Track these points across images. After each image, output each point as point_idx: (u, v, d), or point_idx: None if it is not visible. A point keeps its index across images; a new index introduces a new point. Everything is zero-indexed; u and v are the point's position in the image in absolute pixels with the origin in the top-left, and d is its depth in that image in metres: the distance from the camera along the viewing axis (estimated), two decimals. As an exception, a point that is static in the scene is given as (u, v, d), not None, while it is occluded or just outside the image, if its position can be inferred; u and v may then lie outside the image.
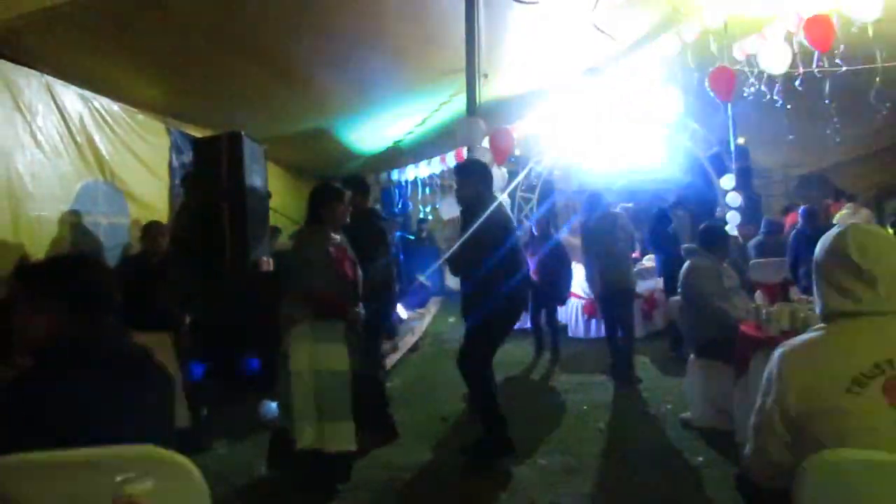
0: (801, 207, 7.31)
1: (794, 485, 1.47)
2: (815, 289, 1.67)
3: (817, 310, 1.67)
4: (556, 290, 6.67)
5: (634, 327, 6.21)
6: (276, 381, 3.43)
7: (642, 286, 7.71)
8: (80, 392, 1.43)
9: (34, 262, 1.77)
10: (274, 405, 4.53)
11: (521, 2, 4.68)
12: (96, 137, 4.79)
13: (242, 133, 4.95)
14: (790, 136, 7.76)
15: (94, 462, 1.32)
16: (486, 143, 5.58)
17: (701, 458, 3.80)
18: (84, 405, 1.42)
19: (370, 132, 8.06)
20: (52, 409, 1.40)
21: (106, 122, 4.92)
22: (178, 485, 1.35)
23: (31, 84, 4.15)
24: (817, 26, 5.67)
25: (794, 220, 8.44)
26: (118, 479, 1.20)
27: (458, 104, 6.30)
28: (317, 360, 3.30)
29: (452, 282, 9.22)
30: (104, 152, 4.88)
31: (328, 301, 3.37)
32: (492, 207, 3.79)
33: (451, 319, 8.84)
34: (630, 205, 8.64)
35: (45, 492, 1.31)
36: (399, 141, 8.76)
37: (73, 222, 4.50)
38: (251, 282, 4.85)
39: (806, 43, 5.86)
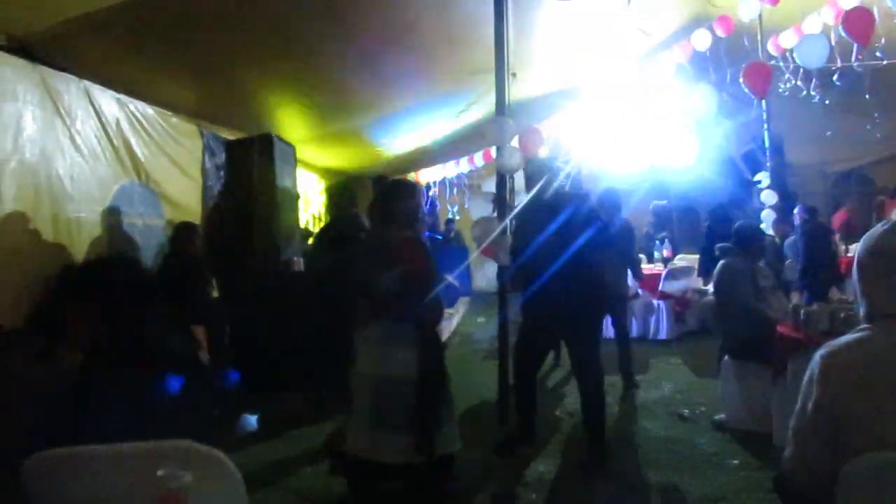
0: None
1: (837, 489, 1.43)
2: (858, 288, 1.61)
3: (860, 310, 1.61)
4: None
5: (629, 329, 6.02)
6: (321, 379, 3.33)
7: (674, 286, 7.60)
8: (120, 390, 1.46)
9: (79, 266, 1.82)
10: (253, 419, 4.55)
11: (556, -2, 4.63)
12: (132, 140, 4.90)
13: (273, 135, 5.02)
14: (828, 133, 7.56)
15: (135, 456, 1.34)
16: (515, 142, 5.55)
17: (736, 461, 3.72)
18: (125, 402, 1.45)
19: (399, 133, 8.09)
20: (94, 406, 1.43)
21: (141, 125, 5.03)
22: (216, 479, 1.37)
23: (71, 89, 4.26)
24: (857, 19, 5.51)
25: (844, 217, 8.20)
26: (159, 473, 1.22)
27: (487, 104, 6.28)
28: (384, 365, 2.99)
29: (481, 282, 9.22)
30: (140, 155, 4.99)
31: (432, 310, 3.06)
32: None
33: (481, 319, 8.82)
34: (664, 202, 8.50)
35: (88, 486, 1.34)
36: (427, 141, 8.77)
37: (110, 223, 4.61)
38: (282, 281, 4.91)
39: (845, 36, 5.70)
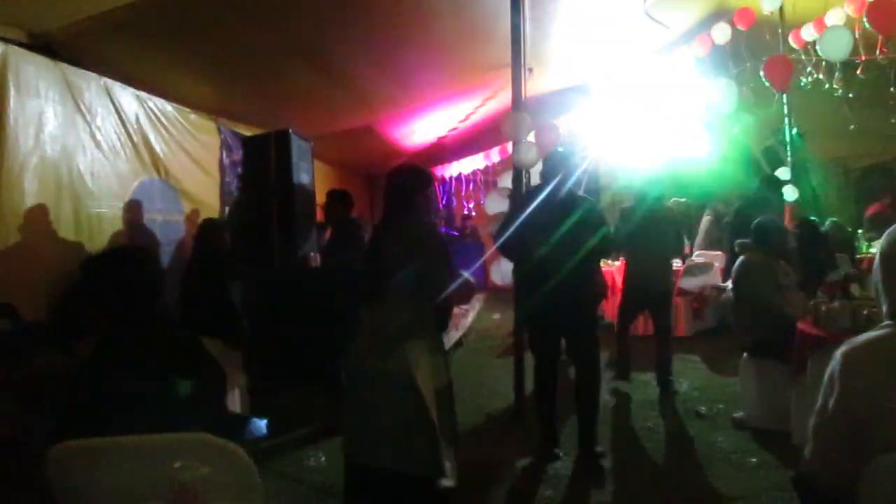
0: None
1: (859, 487, 1.41)
2: (881, 286, 1.58)
3: (883, 307, 1.58)
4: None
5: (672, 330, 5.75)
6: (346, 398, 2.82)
7: (692, 283, 7.52)
8: (136, 380, 1.48)
9: (96, 258, 1.84)
10: (262, 423, 4.55)
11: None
12: (151, 137, 4.95)
13: (290, 131, 5.04)
14: (851, 127, 7.42)
15: (151, 449, 1.36)
16: (531, 137, 5.52)
17: (755, 460, 3.68)
18: (140, 393, 1.47)
19: (415, 128, 8.09)
20: (109, 397, 1.45)
21: (160, 121, 5.08)
22: (231, 472, 1.38)
23: (91, 86, 4.31)
24: (882, 10, 5.39)
25: (879, 209, 8.00)
26: (175, 465, 1.23)
27: (503, 99, 6.26)
28: (437, 378, 2.76)
29: (497, 277, 9.18)
30: (159, 151, 5.04)
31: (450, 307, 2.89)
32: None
33: (496, 316, 8.80)
34: (683, 199, 8.39)
35: (103, 477, 1.36)
36: (443, 136, 8.78)
37: (130, 219, 4.67)
38: (299, 278, 4.93)
39: (869, 27, 5.58)
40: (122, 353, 1.56)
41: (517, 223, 3.81)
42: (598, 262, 3.90)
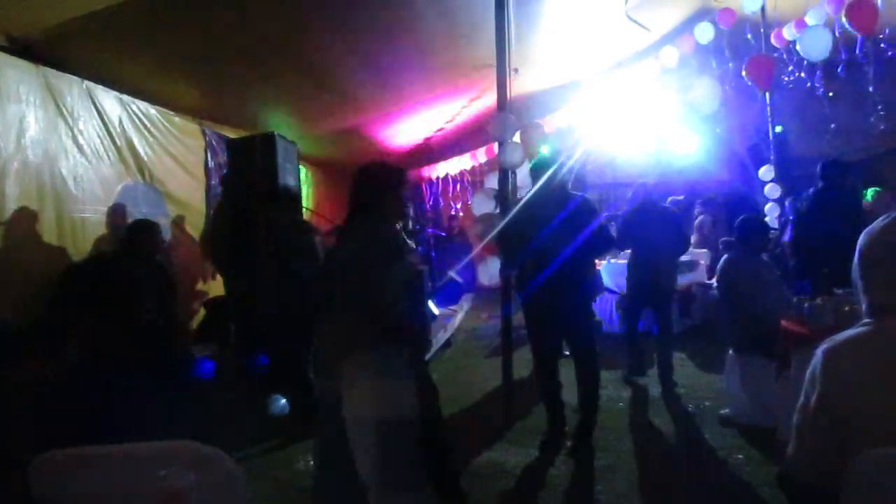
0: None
1: (841, 484, 1.43)
2: (860, 283, 1.60)
3: (863, 304, 1.61)
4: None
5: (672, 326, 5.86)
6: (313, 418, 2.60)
7: (679, 280, 7.58)
8: (121, 388, 1.47)
9: (80, 263, 1.83)
10: (283, 401, 4.56)
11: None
12: (135, 140, 4.92)
13: (275, 133, 5.02)
14: (832, 125, 7.52)
15: (137, 457, 1.35)
16: (517, 138, 5.53)
17: (741, 456, 3.72)
18: (126, 401, 1.46)
19: (401, 129, 8.09)
20: (95, 405, 1.44)
21: (144, 124, 5.05)
22: (218, 479, 1.37)
23: (73, 90, 4.27)
24: (861, 9, 5.47)
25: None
26: (161, 473, 1.23)
27: (489, 99, 6.28)
28: (381, 405, 2.34)
29: (485, 278, 9.20)
30: (143, 154, 5.01)
31: (409, 323, 2.54)
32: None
33: (484, 315, 8.82)
34: (681, 197, 8.44)
35: (89, 486, 1.35)
36: (430, 137, 8.79)
37: (114, 222, 4.62)
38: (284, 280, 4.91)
39: (848, 27, 5.66)
40: (108, 359, 1.54)
41: (514, 223, 3.86)
42: (595, 256, 3.91)
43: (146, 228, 4.38)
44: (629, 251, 5.77)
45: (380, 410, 2.31)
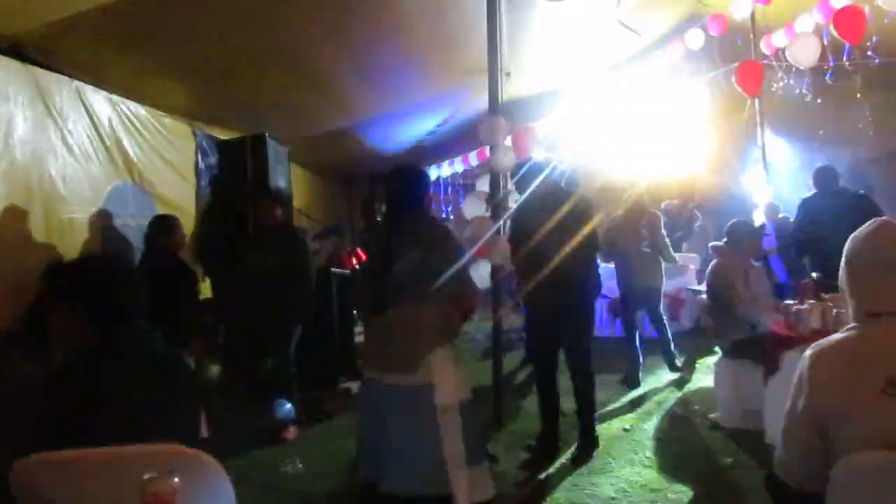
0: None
1: (827, 487, 1.44)
2: (847, 288, 1.62)
3: (849, 310, 1.62)
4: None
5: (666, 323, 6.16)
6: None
7: (668, 284, 7.61)
8: (107, 392, 1.46)
9: (62, 264, 1.82)
10: (288, 405, 4.55)
11: (546, -2, 4.64)
12: (125, 141, 4.88)
13: (266, 135, 5.01)
14: (820, 131, 7.59)
15: (122, 460, 1.34)
16: (508, 141, 5.54)
17: (730, 460, 3.73)
18: (112, 405, 1.44)
19: (393, 132, 8.08)
20: (81, 408, 1.42)
21: (134, 125, 5.01)
22: (204, 483, 1.36)
23: (62, 90, 4.23)
24: (848, 18, 5.53)
25: None
26: (145, 476, 1.21)
27: (481, 103, 6.28)
28: (465, 388, 2.67)
29: (476, 281, 9.13)
30: (133, 155, 4.97)
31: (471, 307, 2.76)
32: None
33: (475, 318, 8.81)
34: (675, 201, 8.49)
35: (73, 490, 1.34)
36: (421, 140, 8.78)
37: (103, 224, 4.59)
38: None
39: (836, 35, 5.72)
40: (93, 363, 1.53)
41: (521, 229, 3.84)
42: (593, 255, 3.91)
43: (165, 224, 4.42)
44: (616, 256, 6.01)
45: (465, 393, 2.64)
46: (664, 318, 6.05)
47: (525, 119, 7.68)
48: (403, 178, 2.81)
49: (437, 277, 2.52)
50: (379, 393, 2.57)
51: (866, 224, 1.60)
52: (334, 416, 4.84)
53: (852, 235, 1.60)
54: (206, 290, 5.46)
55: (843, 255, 1.61)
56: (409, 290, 2.54)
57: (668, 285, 7.51)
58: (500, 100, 4.77)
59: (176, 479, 1.22)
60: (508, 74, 5.64)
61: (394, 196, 2.80)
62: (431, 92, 6.87)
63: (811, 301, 3.61)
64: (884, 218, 1.62)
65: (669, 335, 5.95)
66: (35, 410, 1.56)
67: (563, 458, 3.85)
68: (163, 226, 4.46)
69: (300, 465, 3.82)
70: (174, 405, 1.56)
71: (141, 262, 4.38)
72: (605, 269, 7.88)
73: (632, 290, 5.82)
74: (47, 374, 1.61)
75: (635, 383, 5.53)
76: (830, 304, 3.43)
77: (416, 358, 2.51)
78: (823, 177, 5.30)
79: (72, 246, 4.24)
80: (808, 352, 1.59)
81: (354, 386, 5.57)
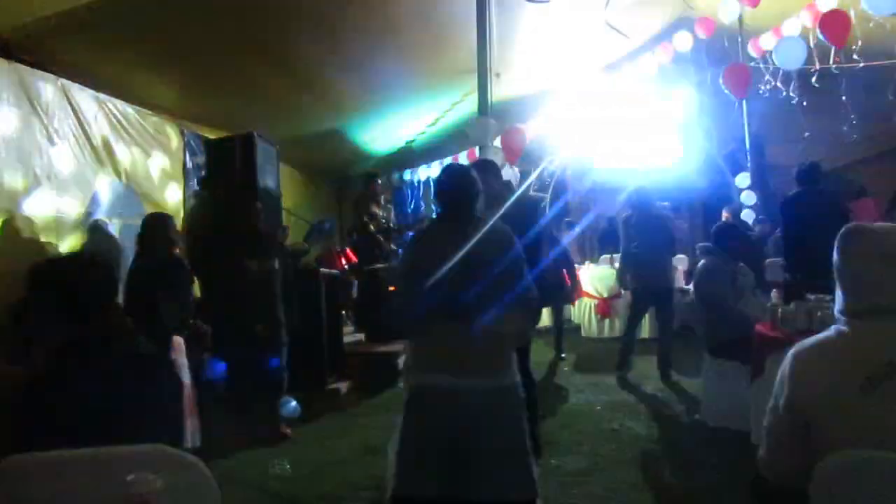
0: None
1: (810, 486, 1.45)
2: (837, 283, 1.63)
3: (835, 307, 1.63)
4: (563, 289, 6.64)
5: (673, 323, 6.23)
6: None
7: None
8: (89, 392, 1.44)
9: (42, 263, 1.79)
10: (294, 402, 4.54)
11: (533, 1, 4.66)
12: (112, 140, 4.84)
13: (255, 134, 4.99)
14: (806, 134, 7.66)
15: (105, 461, 1.33)
16: (497, 142, 5.57)
17: (715, 459, 3.76)
18: (94, 405, 1.43)
19: (383, 132, 8.08)
20: (63, 409, 1.41)
21: (121, 124, 4.97)
22: (188, 484, 1.35)
23: (48, 88, 4.20)
24: (833, 22, 5.59)
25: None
26: (129, 478, 1.20)
27: (471, 104, 6.29)
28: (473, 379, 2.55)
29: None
30: (119, 154, 4.93)
31: None
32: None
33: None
34: (667, 203, 8.56)
35: (56, 491, 1.32)
36: (411, 141, 8.78)
37: (89, 223, 4.55)
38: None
39: (822, 38, 5.79)
40: (76, 362, 1.51)
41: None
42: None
43: (157, 223, 4.22)
44: (620, 254, 6.17)
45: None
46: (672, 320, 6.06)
47: (514, 120, 7.70)
48: (467, 180, 2.67)
49: (517, 280, 2.51)
50: (451, 397, 2.43)
51: (851, 224, 1.61)
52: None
53: (839, 235, 1.61)
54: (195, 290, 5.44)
55: (834, 252, 1.62)
56: (495, 294, 2.45)
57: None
58: (489, 101, 4.79)
59: (159, 481, 1.21)
60: (498, 75, 5.66)
61: (460, 197, 2.64)
62: (422, 92, 6.87)
63: (797, 301, 3.64)
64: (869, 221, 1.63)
65: (671, 342, 5.91)
66: (17, 411, 1.54)
67: (552, 459, 3.85)
68: (156, 224, 4.34)
69: (288, 467, 3.81)
70: (156, 405, 1.55)
71: (134, 261, 4.27)
72: (597, 269, 8.00)
73: (647, 288, 5.90)
74: (28, 375, 1.59)
75: (626, 366, 5.81)
76: (815, 304, 3.46)
77: (504, 360, 2.51)
78: (807, 175, 5.33)
79: (57, 245, 4.21)
80: (792, 350, 1.60)
81: (343, 387, 5.57)
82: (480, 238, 2.52)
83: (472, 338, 2.42)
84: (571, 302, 7.38)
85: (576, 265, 7.59)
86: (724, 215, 8.98)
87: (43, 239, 4.11)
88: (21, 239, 3.93)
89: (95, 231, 4.58)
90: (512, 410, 2.48)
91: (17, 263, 3.72)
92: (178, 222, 5.57)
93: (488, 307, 2.44)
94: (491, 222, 2.63)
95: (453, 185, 2.67)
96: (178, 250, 4.43)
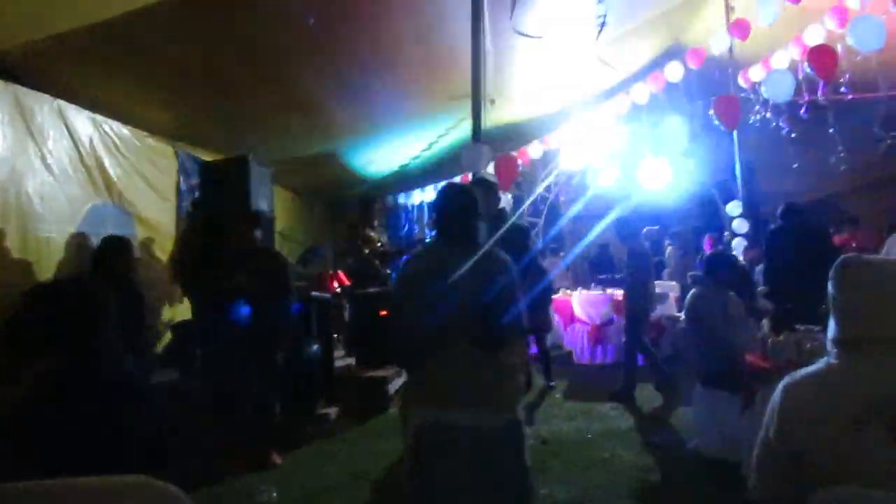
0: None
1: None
2: (832, 314, 1.63)
3: (828, 336, 1.63)
4: (544, 316, 6.57)
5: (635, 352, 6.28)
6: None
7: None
8: (75, 418, 1.42)
9: (39, 286, 1.79)
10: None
11: (526, 35, 4.74)
12: (106, 160, 4.85)
13: (249, 157, 5.00)
14: (795, 164, 7.77)
15: (85, 491, 1.30)
16: (491, 168, 5.60)
17: (707, 489, 3.73)
18: (80, 429, 1.41)
19: (377, 156, 8.12)
20: (47, 435, 1.39)
21: (115, 145, 4.98)
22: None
23: (43, 108, 4.21)
24: (821, 55, 5.71)
25: (847, 241, 8.22)
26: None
27: (465, 129, 6.34)
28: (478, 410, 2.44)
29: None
30: (113, 175, 4.93)
31: None
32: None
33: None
34: (656, 227, 8.62)
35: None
36: (405, 165, 8.82)
37: (80, 243, 4.53)
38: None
39: (810, 71, 5.90)
40: (63, 386, 1.50)
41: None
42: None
43: (118, 246, 4.26)
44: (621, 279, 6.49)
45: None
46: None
47: (508, 146, 7.77)
48: (468, 200, 2.55)
49: (512, 307, 2.38)
50: (455, 432, 2.31)
51: (844, 255, 1.63)
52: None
53: (834, 264, 1.61)
54: (185, 311, 5.40)
55: (829, 285, 1.62)
56: (491, 321, 2.35)
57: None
58: (483, 127, 4.83)
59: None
60: (493, 101, 5.72)
61: (457, 218, 2.52)
62: (416, 117, 6.92)
63: (786, 333, 3.65)
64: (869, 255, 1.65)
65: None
66: (4, 437, 1.51)
67: (543, 489, 3.81)
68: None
69: (275, 495, 3.75)
70: (141, 432, 1.53)
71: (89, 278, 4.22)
72: (590, 296, 8.01)
73: (647, 314, 6.15)
74: (14, 399, 1.57)
75: (628, 397, 5.84)
76: (804, 334, 3.47)
77: (509, 394, 2.41)
78: (786, 215, 5.50)
79: (48, 265, 4.18)
80: (782, 383, 1.60)
81: (332, 412, 5.51)
82: (477, 263, 2.40)
83: (470, 367, 2.35)
84: (549, 329, 7.29)
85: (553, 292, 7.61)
86: (706, 240, 9.14)
87: (33, 259, 4.09)
88: (11, 258, 3.91)
89: (85, 252, 4.55)
90: (518, 446, 2.35)
91: (6, 284, 3.71)
92: (171, 243, 5.56)
93: (486, 335, 2.35)
94: (487, 246, 2.50)
95: (453, 205, 2.54)
96: (133, 273, 4.40)
